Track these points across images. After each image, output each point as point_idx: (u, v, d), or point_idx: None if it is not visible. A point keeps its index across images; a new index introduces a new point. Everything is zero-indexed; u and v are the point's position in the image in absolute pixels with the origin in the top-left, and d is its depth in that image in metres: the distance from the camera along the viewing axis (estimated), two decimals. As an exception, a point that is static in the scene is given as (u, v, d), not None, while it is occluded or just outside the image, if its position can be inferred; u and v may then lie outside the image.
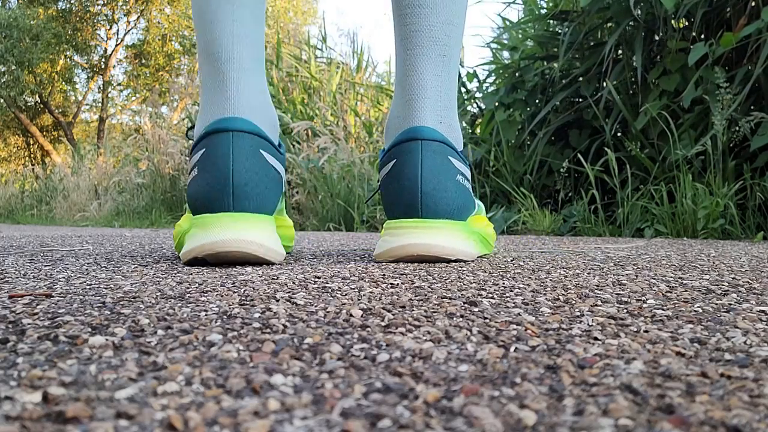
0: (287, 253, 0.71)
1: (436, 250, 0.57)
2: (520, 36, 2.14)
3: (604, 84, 1.72)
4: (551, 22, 1.98)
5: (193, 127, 0.66)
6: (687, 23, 1.67)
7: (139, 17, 9.66)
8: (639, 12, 1.68)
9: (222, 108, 0.59)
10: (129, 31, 10.36)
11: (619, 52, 1.80)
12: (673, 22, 1.66)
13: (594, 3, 1.74)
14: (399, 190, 0.59)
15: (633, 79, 1.73)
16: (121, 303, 0.34)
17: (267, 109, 0.62)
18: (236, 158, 0.56)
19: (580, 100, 1.85)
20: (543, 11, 2.03)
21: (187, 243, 0.56)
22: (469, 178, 0.64)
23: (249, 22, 0.61)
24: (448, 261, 0.60)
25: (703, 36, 1.64)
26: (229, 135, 0.56)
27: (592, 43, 1.89)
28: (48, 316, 0.30)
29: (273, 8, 9.58)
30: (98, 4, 9.24)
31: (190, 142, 0.64)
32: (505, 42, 2.24)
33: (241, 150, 0.56)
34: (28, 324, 0.28)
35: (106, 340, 0.25)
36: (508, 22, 2.22)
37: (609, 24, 1.79)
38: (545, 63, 1.96)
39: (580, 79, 1.85)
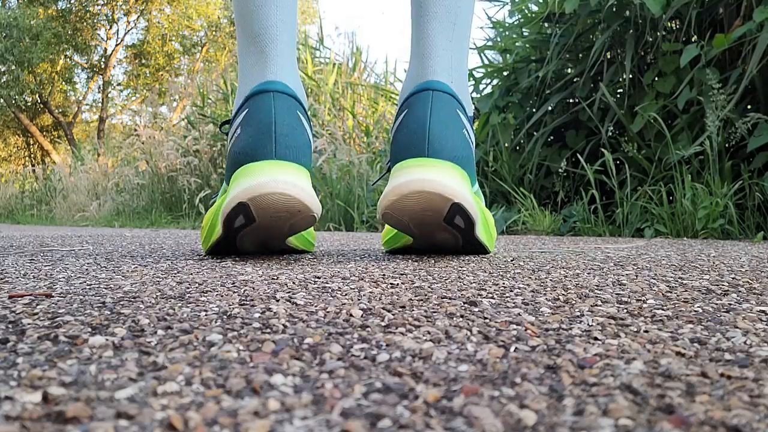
0: (310, 253, 0.72)
1: (439, 187, 0.57)
2: (513, 37, 2.13)
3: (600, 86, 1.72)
4: (544, 24, 1.98)
5: (226, 122, 0.69)
6: (680, 24, 1.68)
7: (139, 17, 9.65)
8: (628, 13, 1.68)
9: (262, 75, 0.63)
10: (129, 31, 10.38)
11: (611, 54, 1.80)
12: (667, 23, 1.66)
13: (583, 7, 1.74)
14: (408, 135, 0.61)
15: (622, 80, 1.74)
16: (121, 303, 0.34)
17: (300, 85, 0.66)
18: (278, 113, 0.59)
19: (577, 101, 1.86)
20: (534, 14, 2.03)
21: (230, 193, 0.58)
22: (473, 140, 0.67)
23: (289, 9, 0.66)
24: (448, 214, 0.59)
25: (695, 37, 1.65)
26: (270, 95, 0.60)
27: (585, 45, 1.90)
28: (48, 316, 0.30)
29: (273, 8, 9.54)
30: (98, 4, 9.24)
31: (219, 130, 0.69)
32: (497, 44, 2.23)
33: (282, 107, 0.60)
34: (28, 324, 0.28)
35: (106, 340, 0.25)
36: (498, 25, 2.21)
37: (601, 25, 1.79)
38: (539, 65, 1.96)
39: (576, 80, 1.85)
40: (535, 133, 1.91)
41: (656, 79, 1.63)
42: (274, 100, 0.60)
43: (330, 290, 0.39)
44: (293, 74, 0.65)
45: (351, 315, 0.31)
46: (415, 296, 0.37)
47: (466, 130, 0.64)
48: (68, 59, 9.41)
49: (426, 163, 0.59)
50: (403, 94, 0.67)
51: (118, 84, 10.40)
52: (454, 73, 0.65)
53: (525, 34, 2.08)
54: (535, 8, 2.04)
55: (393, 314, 0.31)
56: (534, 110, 1.92)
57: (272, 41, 0.64)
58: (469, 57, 0.71)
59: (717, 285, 0.43)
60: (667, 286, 0.43)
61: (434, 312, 0.32)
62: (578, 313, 0.32)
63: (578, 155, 1.78)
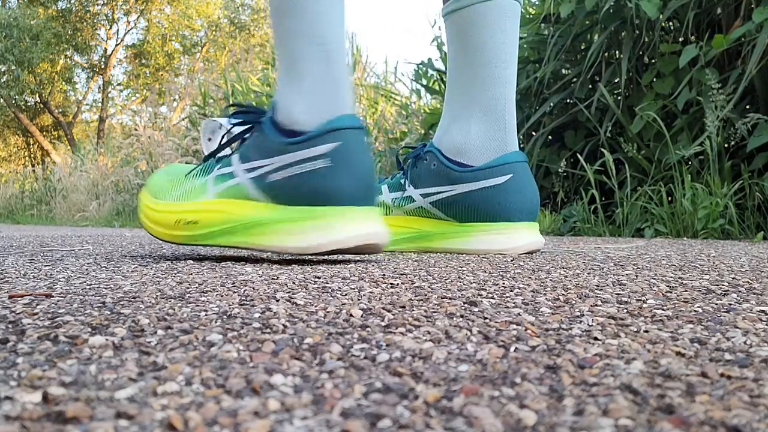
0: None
1: (542, 245, 0.77)
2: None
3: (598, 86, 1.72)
4: (541, 25, 1.97)
5: (231, 106, 0.65)
6: (678, 25, 1.68)
7: (139, 17, 9.66)
8: (624, 15, 1.68)
9: (341, 104, 0.61)
10: (129, 31, 10.39)
11: (609, 54, 1.80)
12: (664, 24, 1.66)
13: (579, 9, 1.74)
14: (524, 199, 0.75)
15: (620, 80, 1.74)
16: (121, 303, 0.34)
17: None
18: (370, 157, 0.61)
19: (575, 101, 1.86)
20: (531, 15, 2.02)
21: (327, 233, 0.57)
22: None
23: (344, 21, 0.64)
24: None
25: (693, 38, 1.65)
26: (362, 132, 0.60)
27: (583, 46, 1.90)
28: (48, 316, 0.30)
29: (273, 8, 9.56)
30: (98, 4, 9.25)
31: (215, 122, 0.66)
32: None
33: (369, 148, 0.62)
34: (28, 324, 0.28)
35: (106, 340, 0.25)
36: None
37: (598, 26, 1.79)
38: (537, 66, 1.96)
39: (574, 81, 1.85)
40: (534, 134, 1.92)
41: (655, 79, 1.63)
42: (366, 140, 0.60)
43: (330, 290, 0.39)
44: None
45: (351, 315, 0.31)
46: (415, 296, 0.37)
47: None
48: (68, 59, 9.42)
49: (536, 226, 0.78)
50: (483, 148, 0.78)
51: (118, 84, 10.41)
52: None
53: (523, 35, 2.08)
54: (531, 10, 2.04)
55: (393, 314, 0.31)
56: (533, 111, 1.92)
57: (340, 58, 0.61)
58: None
59: (717, 285, 0.43)
60: (667, 286, 0.43)
61: (434, 312, 0.32)
62: (578, 313, 0.32)
63: (578, 155, 1.78)
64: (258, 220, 0.60)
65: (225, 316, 0.30)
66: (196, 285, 0.41)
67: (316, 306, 0.33)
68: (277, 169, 0.59)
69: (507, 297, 0.37)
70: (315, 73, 0.61)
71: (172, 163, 3.45)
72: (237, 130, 0.66)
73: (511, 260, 0.64)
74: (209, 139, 0.68)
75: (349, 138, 0.59)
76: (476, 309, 0.33)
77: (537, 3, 2.02)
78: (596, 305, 0.34)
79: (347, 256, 0.69)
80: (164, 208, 0.65)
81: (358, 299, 0.35)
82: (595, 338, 0.26)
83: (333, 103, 0.60)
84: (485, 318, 0.30)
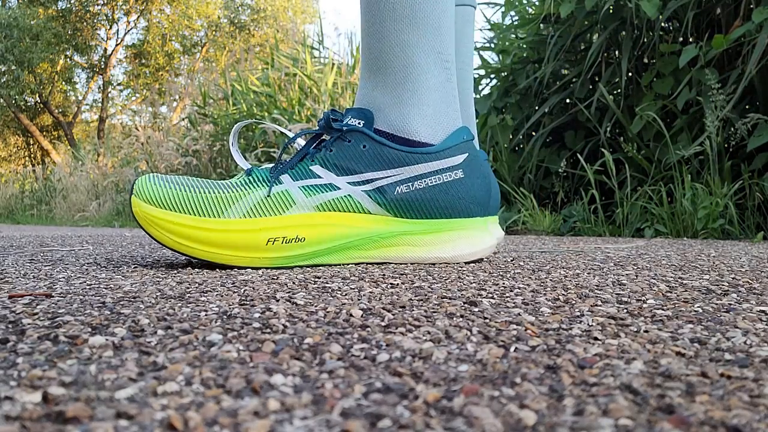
0: None
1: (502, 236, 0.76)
2: (511, 38, 2.13)
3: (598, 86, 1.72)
4: (541, 26, 1.98)
5: (344, 116, 0.58)
6: (677, 25, 1.68)
7: (139, 17, 9.66)
8: (624, 15, 1.69)
9: (458, 116, 0.62)
10: (129, 31, 10.38)
11: (608, 55, 1.80)
12: (664, 24, 1.67)
13: (579, 9, 1.74)
14: (495, 194, 0.75)
15: (619, 81, 1.74)
16: (121, 303, 0.34)
17: None
18: None
19: (575, 101, 1.86)
20: (531, 15, 2.03)
21: (480, 240, 0.60)
22: None
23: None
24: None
25: (692, 38, 1.65)
26: (477, 147, 0.65)
27: (582, 47, 1.90)
28: (48, 316, 0.30)
29: (272, 7, 9.57)
30: (98, 4, 9.25)
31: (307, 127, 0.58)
32: (495, 45, 2.22)
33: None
34: (28, 324, 0.28)
35: (106, 340, 0.25)
36: (496, 27, 2.20)
37: (598, 26, 1.79)
38: (537, 67, 1.96)
39: (574, 80, 1.85)
40: (534, 134, 1.92)
41: (654, 79, 1.63)
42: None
43: (330, 290, 0.39)
44: None
45: (351, 315, 0.31)
46: (415, 296, 0.37)
47: None
48: (68, 59, 9.42)
49: (497, 219, 0.77)
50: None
51: (118, 84, 10.41)
52: None
53: (523, 35, 2.08)
54: (531, 10, 2.04)
55: (393, 314, 0.31)
56: (533, 111, 1.93)
57: (455, 71, 0.62)
58: None
59: (717, 285, 0.43)
60: (667, 286, 0.43)
61: (434, 312, 0.32)
62: (578, 313, 0.32)
63: (578, 155, 1.78)
64: (381, 234, 0.56)
65: (225, 316, 0.30)
66: (196, 285, 0.41)
67: (316, 306, 0.33)
68: (403, 181, 0.56)
69: (507, 297, 0.37)
70: (438, 85, 0.60)
71: (172, 163, 3.44)
72: (300, 140, 0.60)
73: (511, 260, 0.64)
74: (231, 144, 0.62)
75: (474, 150, 0.60)
76: (476, 309, 0.33)
77: (537, 3, 2.02)
78: (596, 305, 0.34)
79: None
80: (240, 226, 0.52)
81: (358, 299, 0.35)
82: (595, 338, 0.26)
83: (455, 116, 0.61)
84: (485, 318, 0.30)
